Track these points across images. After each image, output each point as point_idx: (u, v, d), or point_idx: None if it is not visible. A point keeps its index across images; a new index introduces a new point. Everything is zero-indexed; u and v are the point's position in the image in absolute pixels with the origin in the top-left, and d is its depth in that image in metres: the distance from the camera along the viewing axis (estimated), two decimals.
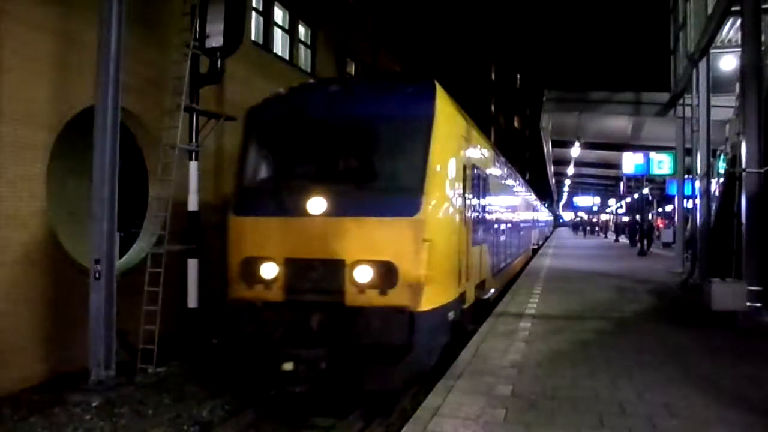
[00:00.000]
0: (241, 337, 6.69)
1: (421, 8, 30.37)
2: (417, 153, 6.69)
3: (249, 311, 6.62)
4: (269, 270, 6.68)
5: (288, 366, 6.09)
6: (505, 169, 14.92)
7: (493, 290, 10.61)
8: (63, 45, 8.53)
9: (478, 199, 9.22)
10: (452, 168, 7.28)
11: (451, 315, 7.18)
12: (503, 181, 13.98)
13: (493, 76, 65.66)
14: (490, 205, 10.79)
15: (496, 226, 12.03)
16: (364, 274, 6.35)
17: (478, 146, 9.58)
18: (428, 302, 6.38)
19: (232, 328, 6.77)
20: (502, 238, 13.33)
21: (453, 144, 7.51)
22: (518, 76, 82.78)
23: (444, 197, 7.02)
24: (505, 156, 16.56)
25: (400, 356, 6.17)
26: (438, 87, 7.22)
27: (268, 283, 6.69)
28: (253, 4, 13.87)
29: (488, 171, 10.60)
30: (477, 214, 9.04)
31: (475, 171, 8.91)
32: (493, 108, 63.59)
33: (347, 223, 6.50)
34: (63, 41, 8.52)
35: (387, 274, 6.30)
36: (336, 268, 6.43)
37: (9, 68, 7.73)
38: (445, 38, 41.19)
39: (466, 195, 8.02)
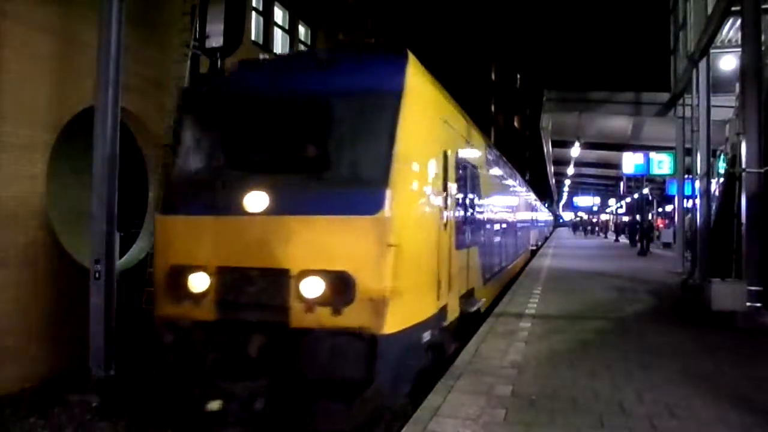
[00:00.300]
0: (163, 366, 5.60)
1: (422, 8, 30.37)
2: (381, 136, 5.51)
3: (173, 333, 5.53)
4: (199, 281, 5.55)
5: (214, 405, 5.03)
6: (500, 164, 13.80)
7: (483, 300, 9.41)
8: (63, 45, 8.54)
9: (466, 194, 8.17)
10: (429, 156, 6.20)
11: (426, 336, 6.02)
12: (496, 176, 12.78)
13: (493, 76, 65.70)
14: (480, 202, 9.68)
15: (488, 226, 10.92)
16: (313, 288, 5.23)
17: (466, 135, 8.41)
18: (395, 322, 5.23)
19: (154, 354, 5.69)
20: (496, 239, 12.33)
21: (430, 128, 6.40)
22: (518, 76, 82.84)
23: (416, 191, 5.92)
24: (506, 156, 16.39)
25: (357, 391, 5.09)
26: (411, 58, 5.99)
27: (197, 298, 5.55)
28: (253, 4, 13.87)
29: (478, 163, 9.49)
30: (463, 212, 8.02)
31: (462, 162, 7.85)
32: (493, 108, 63.63)
33: (293, 223, 5.38)
34: (63, 41, 8.53)
35: (342, 287, 5.17)
36: (278, 280, 5.30)
37: (9, 68, 7.74)
38: (445, 38, 41.20)
39: (449, 189, 6.93)
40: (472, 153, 8.98)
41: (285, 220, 5.41)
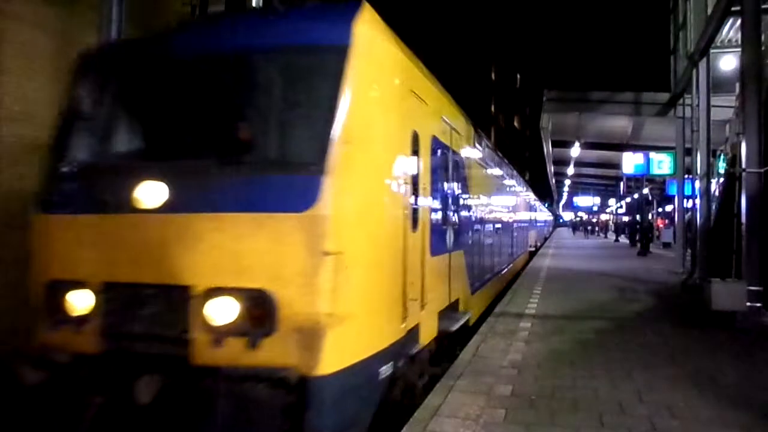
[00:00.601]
0: (23, 416, 4.24)
1: (422, 8, 30.41)
2: (318, 106, 4.18)
3: (44, 371, 4.15)
4: (80, 301, 4.26)
5: None
6: (493, 157, 12.47)
7: (470, 313, 8.23)
8: (63, 45, 8.54)
9: (447, 188, 6.95)
10: (390, 136, 4.86)
11: (384, 370, 4.66)
12: (487, 169, 11.22)
13: (493, 76, 65.79)
14: (467, 197, 8.42)
15: (477, 226, 9.58)
16: (222, 311, 3.89)
17: (447, 115, 6.93)
18: (336, 358, 3.93)
19: (16, 399, 4.27)
20: (488, 241, 11.14)
21: (393, 100, 4.97)
22: (518, 76, 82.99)
23: (370, 181, 4.52)
24: (506, 156, 16.24)
25: None
26: (366, 7, 4.59)
27: (78, 323, 4.25)
28: (253, 4, 13.88)
29: (464, 152, 8.09)
30: (443, 209, 6.75)
31: (441, 148, 6.53)
32: (493, 108, 63.72)
33: (197, 222, 4.05)
34: (63, 41, 8.54)
35: (260, 311, 3.87)
36: (177, 301, 3.99)
37: (9, 68, 7.75)
38: (445, 38, 41.22)
39: (422, 181, 5.62)
40: (456, 138, 7.50)
41: (187, 219, 4.09)
